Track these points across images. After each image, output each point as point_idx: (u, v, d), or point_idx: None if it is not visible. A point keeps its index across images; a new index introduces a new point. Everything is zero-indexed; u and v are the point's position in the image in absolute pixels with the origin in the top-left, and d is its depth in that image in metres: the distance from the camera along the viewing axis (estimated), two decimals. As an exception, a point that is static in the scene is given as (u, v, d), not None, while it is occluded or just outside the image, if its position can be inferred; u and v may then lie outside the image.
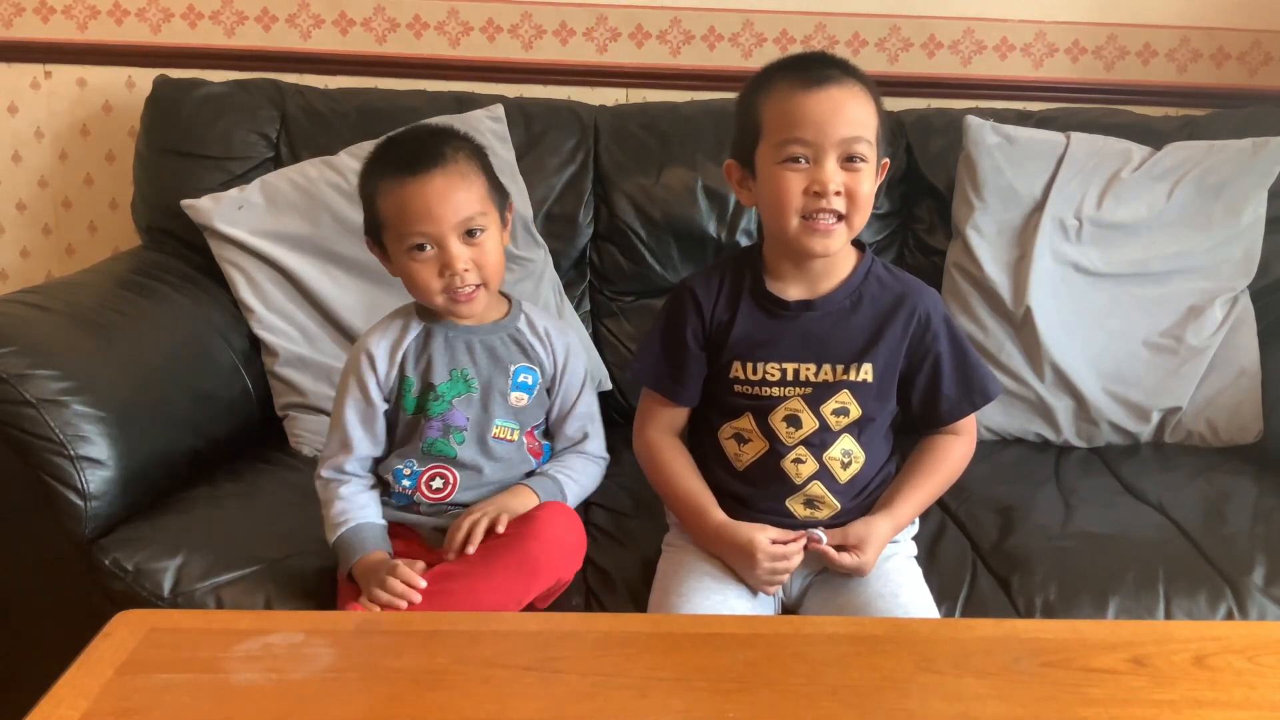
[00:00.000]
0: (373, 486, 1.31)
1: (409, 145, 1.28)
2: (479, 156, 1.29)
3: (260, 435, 1.70)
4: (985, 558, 1.41)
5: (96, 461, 1.34)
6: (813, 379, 1.24)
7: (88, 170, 2.10)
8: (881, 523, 1.23)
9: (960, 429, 1.32)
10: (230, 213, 1.75)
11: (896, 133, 1.88)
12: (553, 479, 1.32)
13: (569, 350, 1.37)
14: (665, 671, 0.90)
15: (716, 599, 1.21)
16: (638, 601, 1.30)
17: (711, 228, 1.85)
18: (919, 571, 1.30)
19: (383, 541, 1.25)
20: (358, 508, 1.27)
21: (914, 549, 1.33)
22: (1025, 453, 1.75)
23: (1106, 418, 1.76)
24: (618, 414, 1.85)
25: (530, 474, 1.34)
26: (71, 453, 1.32)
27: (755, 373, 1.25)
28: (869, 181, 1.20)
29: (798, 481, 1.25)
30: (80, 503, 1.33)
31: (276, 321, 1.74)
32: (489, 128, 1.78)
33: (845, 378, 1.24)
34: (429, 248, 1.24)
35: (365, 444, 1.30)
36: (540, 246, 1.81)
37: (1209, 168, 1.79)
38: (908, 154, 1.89)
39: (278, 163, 1.84)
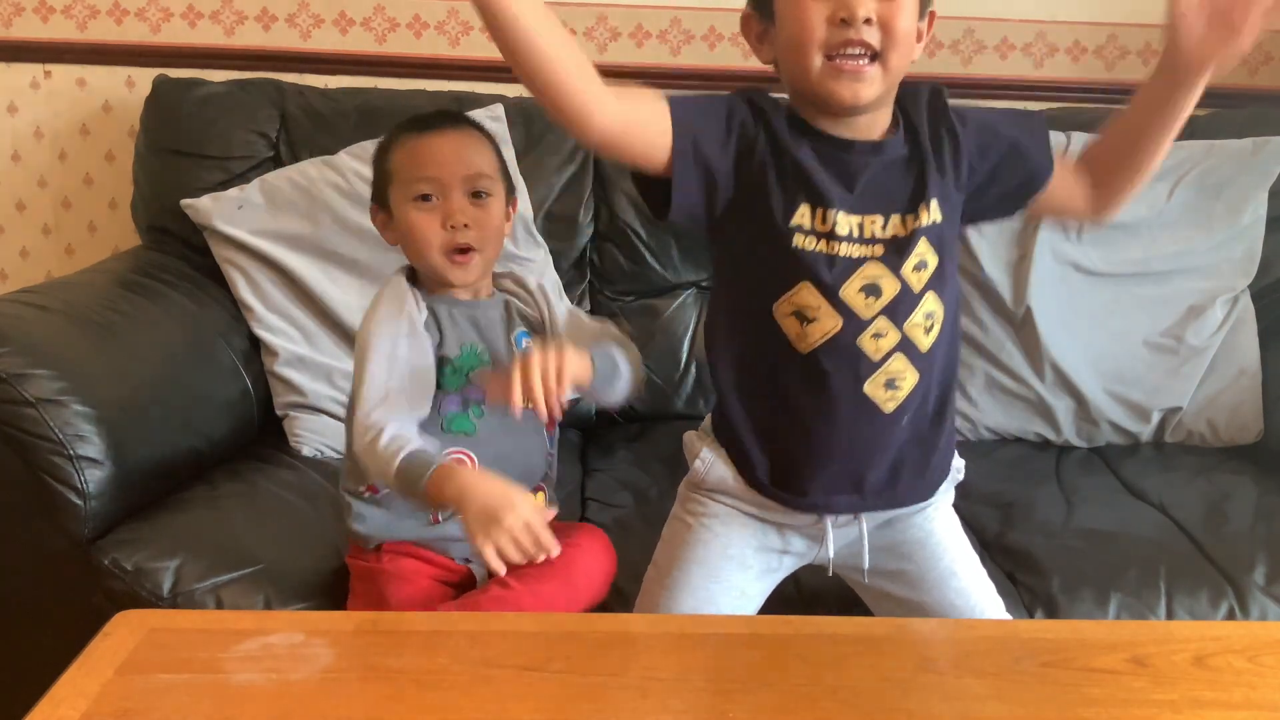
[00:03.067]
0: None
1: (430, 114, 1.30)
2: (494, 144, 1.30)
3: (260, 435, 1.70)
4: (989, 553, 1.41)
5: (96, 461, 1.34)
6: (880, 234, 1.04)
7: (87, 170, 2.10)
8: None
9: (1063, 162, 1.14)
10: (230, 212, 1.75)
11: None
12: (607, 356, 1.20)
13: (542, 287, 1.32)
14: (665, 671, 0.90)
15: (717, 586, 1.14)
16: (636, 601, 1.30)
17: (711, 227, 1.85)
18: (961, 532, 1.19)
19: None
20: (413, 437, 1.15)
21: (954, 495, 1.21)
22: (1025, 452, 1.75)
23: (1107, 417, 1.76)
24: (617, 414, 1.85)
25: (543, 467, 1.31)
26: (71, 452, 1.32)
27: (825, 222, 1.03)
28: (908, 14, 1.00)
29: (876, 359, 1.06)
30: (79, 502, 1.33)
31: (276, 321, 1.74)
32: (489, 128, 1.78)
33: (919, 224, 1.05)
34: (433, 198, 1.22)
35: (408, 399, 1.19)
36: (540, 246, 1.81)
37: (1209, 168, 1.79)
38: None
39: (278, 162, 1.84)
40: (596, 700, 0.86)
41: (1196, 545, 1.41)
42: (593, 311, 1.88)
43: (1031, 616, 1.31)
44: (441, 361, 1.24)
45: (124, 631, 0.93)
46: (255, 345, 1.74)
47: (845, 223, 1.03)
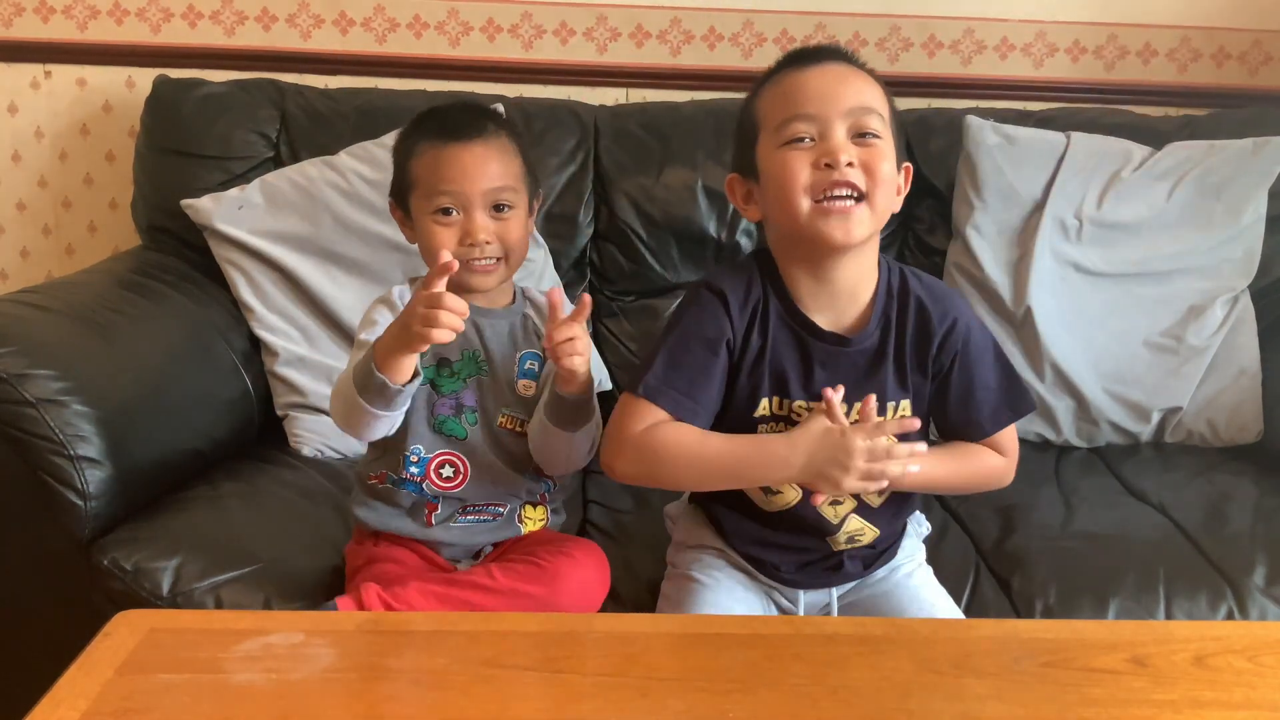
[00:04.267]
0: None
1: (454, 113, 1.28)
2: (518, 140, 1.29)
3: (260, 435, 1.70)
4: (986, 558, 1.41)
5: (96, 461, 1.34)
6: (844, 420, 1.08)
7: (88, 170, 2.10)
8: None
9: (1001, 447, 1.18)
10: (230, 212, 1.75)
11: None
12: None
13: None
14: (665, 671, 0.90)
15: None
16: (637, 600, 1.30)
17: (711, 227, 1.85)
18: (935, 581, 1.24)
19: None
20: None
21: (924, 551, 1.28)
22: (1025, 452, 1.71)
23: (1107, 418, 1.76)
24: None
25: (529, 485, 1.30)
26: (71, 452, 1.32)
27: (783, 408, 1.11)
28: (887, 160, 1.05)
29: (835, 522, 1.15)
30: (79, 502, 1.33)
31: (276, 321, 1.74)
32: (490, 128, 1.78)
33: (882, 417, 1.09)
34: (454, 212, 1.22)
35: None
36: (540, 246, 1.81)
37: (1209, 168, 1.79)
38: (908, 154, 1.89)
39: (278, 162, 1.84)
40: (596, 700, 0.86)
41: (1196, 546, 1.41)
42: (593, 312, 1.88)
43: (1032, 617, 1.32)
44: (441, 363, 1.25)
45: (124, 631, 0.93)
46: (255, 345, 1.74)
47: (805, 408, 1.10)
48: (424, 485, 1.26)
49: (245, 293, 1.74)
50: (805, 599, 1.21)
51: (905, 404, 1.13)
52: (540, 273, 1.78)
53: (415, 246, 1.29)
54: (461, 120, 1.25)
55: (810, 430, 1.04)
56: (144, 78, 1.97)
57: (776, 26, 2.05)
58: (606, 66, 2.06)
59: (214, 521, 1.42)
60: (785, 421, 1.11)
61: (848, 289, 1.11)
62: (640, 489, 1.57)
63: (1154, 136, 1.84)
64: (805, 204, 1.04)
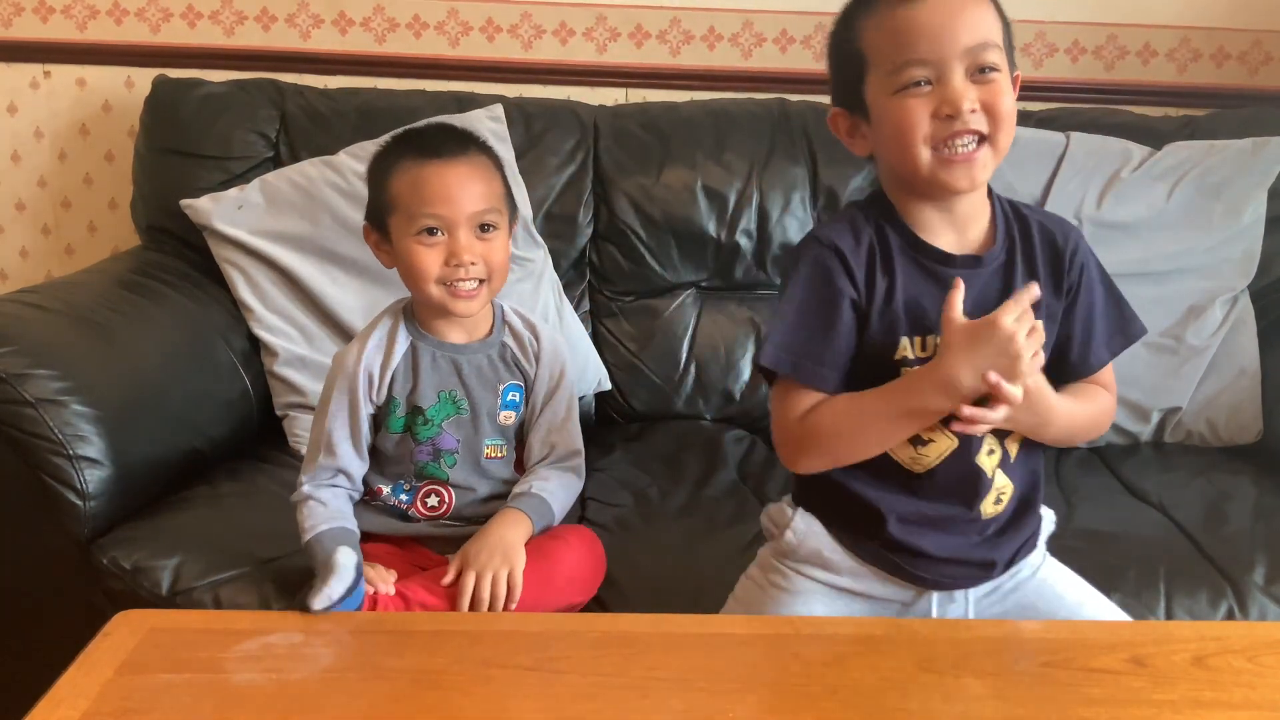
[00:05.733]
0: (351, 499, 1.26)
1: (432, 132, 1.26)
2: (498, 164, 1.27)
3: (259, 435, 1.70)
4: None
5: (95, 461, 1.34)
6: None
7: (87, 170, 2.10)
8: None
9: (1105, 381, 1.14)
10: (230, 212, 1.75)
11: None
12: (540, 499, 1.24)
13: (556, 354, 1.30)
14: (665, 671, 0.90)
15: None
16: (636, 596, 1.30)
17: (711, 228, 1.85)
18: (1070, 573, 1.16)
19: (354, 547, 1.18)
20: (334, 513, 1.21)
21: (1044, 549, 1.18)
22: (1025, 453, 1.75)
23: (1106, 417, 1.76)
24: (617, 414, 1.86)
25: (512, 488, 1.28)
26: (70, 452, 1.32)
27: (927, 349, 1.02)
28: (1008, 94, 0.99)
29: (989, 474, 1.05)
30: (79, 502, 1.33)
31: (276, 321, 1.73)
32: (488, 128, 1.78)
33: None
34: (440, 233, 1.20)
35: (352, 459, 1.24)
36: (540, 246, 1.81)
37: (1209, 168, 1.79)
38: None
39: (277, 162, 1.84)
40: (596, 700, 0.86)
41: (1196, 545, 1.41)
42: (593, 312, 1.89)
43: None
44: (414, 411, 1.24)
45: (124, 631, 0.93)
46: (255, 345, 1.74)
47: None
48: (410, 512, 1.27)
49: (245, 293, 1.74)
50: (937, 601, 1.09)
51: (1039, 325, 1.01)
52: (540, 273, 1.78)
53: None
54: (442, 139, 1.23)
55: (952, 341, 0.96)
56: (143, 78, 1.97)
57: (776, 26, 2.05)
58: (606, 66, 2.06)
59: (214, 521, 1.42)
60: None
61: (969, 212, 1.05)
62: (638, 485, 1.58)
63: (1154, 136, 1.84)
64: (926, 154, 0.99)
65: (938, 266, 1.03)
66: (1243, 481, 1.61)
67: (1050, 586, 1.13)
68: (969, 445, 1.03)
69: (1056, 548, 1.40)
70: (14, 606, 1.42)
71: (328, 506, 1.21)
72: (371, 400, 1.24)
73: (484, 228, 1.21)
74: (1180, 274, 1.79)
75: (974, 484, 1.05)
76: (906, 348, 1.02)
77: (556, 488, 1.27)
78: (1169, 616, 1.31)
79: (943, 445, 1.04)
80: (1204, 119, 1.92)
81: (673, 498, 1.56)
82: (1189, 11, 2.05)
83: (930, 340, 1.02)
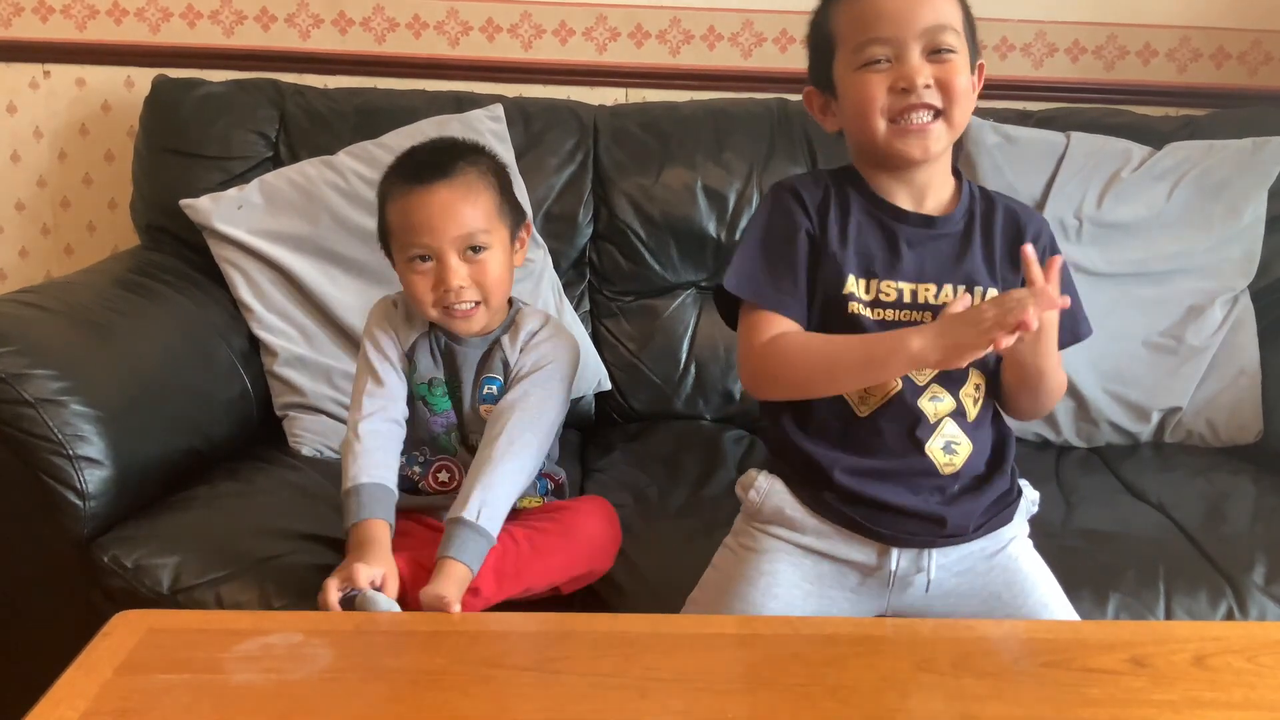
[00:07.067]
0: (398, 427, 1.27)
1: (422, 155, 1.28)
2: (495, 174, 1.28)
3: (259, 435, 1.70)
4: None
5: (95, 461, 1.34)
6: (932, 301, 1.09)
7: (86, 170, 2.10)
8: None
9: None
10: (229, 212, 1.75)
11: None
12: (478, 530, 1.15)
13: (555, 347, 1.30)
14: (665, 671, 0.90)
15: (815, 604, 1.11)
16: (636, 600, 1.30)
17: (711, 227, 1.85)
18: (1039, 560, 1.18)
19: (388, 510, 1.19)
20: (377, 463, 1.21)
21: (1028, 529, 1.20)
22: (1025, 452, 1.73)
23: (1106, 417, 1.76)
24: (617, 414, 1.86)
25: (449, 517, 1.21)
26: (70, 452, 1.32)
27: (870, 291, 1.09)
28: (963, 74, 1.07)
29: (933, 421, 1.10)
30: (79, 502, 1.33)
31: (275, 321, 1.73)
32: (488, 128, 1.78)
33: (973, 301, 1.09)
34: (428, 260, 1.24)
35: (398, 386, 1.27)
36: (540, 246, 1.81)
37: (1209, 168, 1.79)
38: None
39: (277, 162, 1.84)
40: (596, 700, 0.86)
41: (1195, 545, 1.41)
42: (593, 312, 1.89)
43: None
44: (433, 382, 1.29)
45: (123, 631, 0.93)
46: (255, 345, 1.74)
47: (893, 289, 1.10)
48: (420, 485, 1.31)
49: (244, 293, 1.74)
50: (901, 563, 1.11)
51: (993, 292, 1.11)
52: (540, 273, 1.78)
53: None
54: (428, 163, 1.25)
55: (948, 312, 1.03)
56: (143, 77, 1.96)
57: (776, 26, 2.05)
58: (606, 66, 2.06)
59: (214, 520, 1.41)
60: (876, 306, 1.10)
61: (927, 181, 1.13)
62: (638, 485, 1.57)
63: (1154, 136, 1.84)
64: (882, 125, 1.07)
65: (889, 220, 1.12)
66: (1242, 481, 1.61)
67: (1022, 578, 1.14)
68: (910, 387, 1.09)
69: (1057, 547, 1.40)
70: (13, 606, 1.42)
71: (371, 455, 1.22)
72: (400, 356, 1.30)
73: (474, 249, 1.23)
74: (1180, 274, 1.79)
75: (914, 427, 1.10)
76: (853, 285, 1.10)
77: (497, 484, 1.19)
78: (1169, 616, 1.32)
79: (887, 384, 1.10)
80: (1204, 119, 1.92)
81: (672, 498, 1.56)
82: (1189, 11, 2.05)
83: (874, 284, 1.10)
